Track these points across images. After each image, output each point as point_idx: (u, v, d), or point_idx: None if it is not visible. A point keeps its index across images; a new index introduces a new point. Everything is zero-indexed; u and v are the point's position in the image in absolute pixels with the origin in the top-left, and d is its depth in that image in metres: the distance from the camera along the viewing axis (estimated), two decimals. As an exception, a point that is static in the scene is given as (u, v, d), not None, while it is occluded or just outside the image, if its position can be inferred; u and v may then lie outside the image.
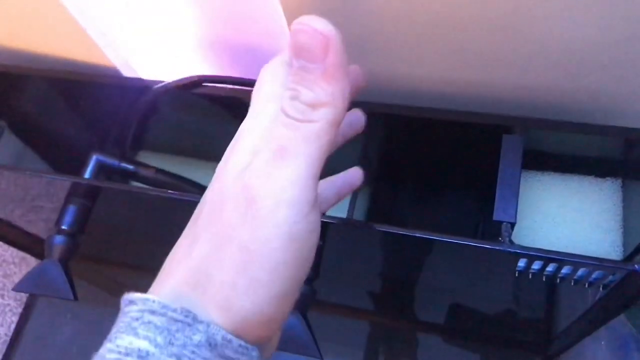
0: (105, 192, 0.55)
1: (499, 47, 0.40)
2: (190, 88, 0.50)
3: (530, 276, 0.43)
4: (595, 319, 0.48)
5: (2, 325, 0.85)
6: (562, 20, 0.36)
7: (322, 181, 0.33)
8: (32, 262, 0.89)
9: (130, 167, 0.53)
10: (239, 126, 0.57)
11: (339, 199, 0.34)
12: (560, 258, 0.39)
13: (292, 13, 0.41)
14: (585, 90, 0.43)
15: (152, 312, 0.23)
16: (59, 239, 0.50)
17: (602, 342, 0.56)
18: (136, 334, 0.22)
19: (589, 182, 0.45)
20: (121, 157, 0.55)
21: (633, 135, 0.42)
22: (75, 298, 0.50)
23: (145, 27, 0.53)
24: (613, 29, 0.36)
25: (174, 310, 0.23)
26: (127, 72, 0.54)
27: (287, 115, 0.24)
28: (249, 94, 0.52)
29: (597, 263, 0.38)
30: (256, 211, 0.23)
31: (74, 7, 0.46)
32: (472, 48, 0.41)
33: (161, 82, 0.51)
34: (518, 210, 0.45)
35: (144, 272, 0.86)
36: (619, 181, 0.45)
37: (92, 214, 0.56)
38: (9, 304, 0.86)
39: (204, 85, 0.51)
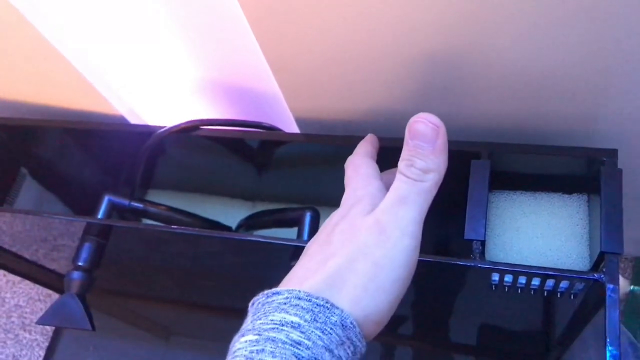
0: (119, 229, 0.60)
1: (464, 79, 0.44)
2: (189, 131, 0.55)
3: (506, 289, 0.47)
4: (575, 326, 0.51)
5: (30, 359, 0.90)
6: (521, 51, 0.40)
7: None
8: (57, 298, 0.94)
9: (140, 205, 0.58)
10: (236, 161, 0.62)
11: None
12: (526, 271, 0.42)
13: (274, 62, 0.46)
14: (546, 115, 0.47)
15: (299, 298, 0.31)
16: (76, 274, 0.55)
17: (590, 348, 0.58)
18: (287, 312, 0.30)
19: (557, 199, 0.49)
20: (131, 196, 0.60)
21: (594, 154, 0.46)
22: (93, 328, 0.54)
23: (147, 77, 0.59)
24: (570, 57, 0.39)
25: (317, 298, 0.31)
26: (132, 119, 0.60)
27: (406, 176, 0.35)
28: (241, 133, 0.56)
29: (561, 274, 0.42)
30: (387, 238, 0.33)
31: (82, 65, 0.51)
32: (439, 82, 0.45)
33: (163, 127, 0.56)
34: (492, 228, 0.49)
35: (161, 304, 0.91)
36: (585, 196, 0.48)
37: (110, 250, 0.61)
38: (36, 339, 0.91)
39: (202, 128, 0.55)
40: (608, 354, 0.39)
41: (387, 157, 0.55)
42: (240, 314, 0.92)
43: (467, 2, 0.35)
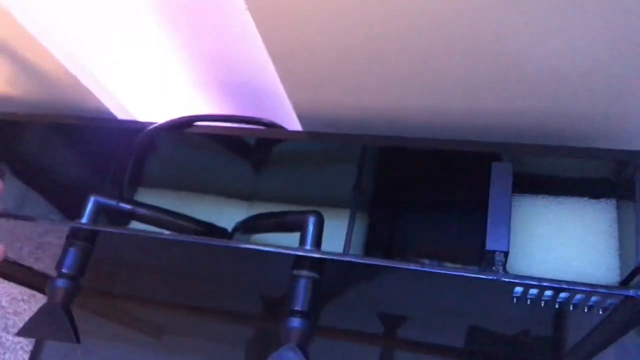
0: (105, 233, 0.56)
1: (485, 75, 0.40)
2: (183, 127, 0.51)
3: (528, 302, 0.43)
4: (597, 341, 0.48)
5: (13, 364, 0.86)
6: (547, 47, 0.36)
7: None
8: (41, 298, 0.90)
9: (128, 207, 0.54)
10: (233, 158, 0.58)
11: None
12: (554, 286, 0.38)
13: (277, 54, 0.42)
14: (573, 114, 0.43)
15: None
16: (60, 282, 0.51)
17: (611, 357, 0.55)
18: None
19: (583, 204, 0.45)
20: (119, 196, 0.55)
21: (624, 156, 0.42)
22: (78, 341, 0.50)
23: (138, 71, 0.54)
24: (599, 52, 0.36)
25: None
26: (121, 115, 0.55)
27: None
28: (239, 130, 0.52)
29: (592, 290, 0.38)
30: None
31: (63, 54, 0.47)
32: (458, 78, 0.41)
33: (154, 123, 0.52)
34: (513, 234, 0.45)
35: (151, 305, 0.87)
36: (614, 202, 0.45)
37: (98, 251, 0.57)
38: (20, 342, 0.87)
39: (195, 124, 0.51)
40: None
41: (396, 158, 0.51)
42: (233, 316, 0.89)
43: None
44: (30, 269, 0.83)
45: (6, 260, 0.79)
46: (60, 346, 0.84)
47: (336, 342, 0.78)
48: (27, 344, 0.87)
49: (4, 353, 0.86)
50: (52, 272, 0.79)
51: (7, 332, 0.89)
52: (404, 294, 0.64)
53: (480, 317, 0.66)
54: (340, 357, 0.78)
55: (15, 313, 0.89)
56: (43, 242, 0.89)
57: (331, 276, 0.56)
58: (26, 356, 0.85)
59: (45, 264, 0.89)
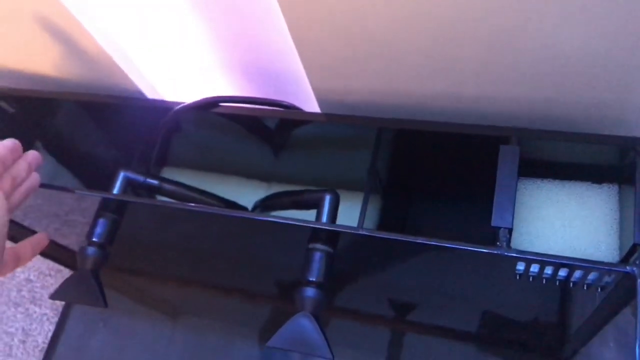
0: (133, 206, 0.59)
1: (496, 62, 0.42)
2: (208, 108, 0.54)
3: (530, 279, 0.45)
4: (597, 320, 0.50)
5: (40, 334, 0.90)
6: (555, 35, 0.38)
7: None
8: (67, 273, 0.94)
9: (155, 182, 0.57)
10: (253, 141, 0.61)
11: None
12: (555, 261, 0.41)
13: (301, 38, 0.44)
14: (579, 101, 0.45)
15: None
16: (90, 250, 0.54)
17: (611, 344, 0.57)
18: None
19: (586, 188, 0.47)
20: (146, 173, 0.59)
21: (628, 143, 0.44)
22: (106, 305, 0.53)
23: (167, 53, 0.57)
24: (605, 42, 0.38)
25: None
26: (151, 95, 0.58)
27: None
28: (261, 112, 0.55)
29: (591, 265, 0.40)
30: None
31: (102, 36, 0.50)
32: (470, 64, 0.43)
33: (182, 103, 0.55)
34: (518, 216, 0.48)
35: (171, 282, 0.90)
36: (616, 187, 0.47)
37: (122, 228, 0.60)
38: (46, 313, 0.91)
39: (221, 105, 0.54)
40: (638, 351, 0.38)
41: (410, 141, 0.53)
42: (249, 295, 0.91)
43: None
44: (57, 244, 0.87)
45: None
46: (84, 318, 0.88)
47: (347, 322, 0.81)
48: (53, 316, 0.91)
49: (31, 324, 0.90)
50: (78, 248, 0.83)
51: (35, 305, 0.93)
52: (413, 278, 0.67)
53: (489, 301, 0.68)
54: (351, 337, 0.81)
55: (43, 287, 0.94)
56: (69, 219, 0.93)
57: (343, 258, 0.59)
58: (52, 327, 0.89)
59: (71, 241, 0.93)
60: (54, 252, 0.88)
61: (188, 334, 0.87)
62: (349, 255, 0.59)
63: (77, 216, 0.95)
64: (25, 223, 0.84)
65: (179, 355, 0.85)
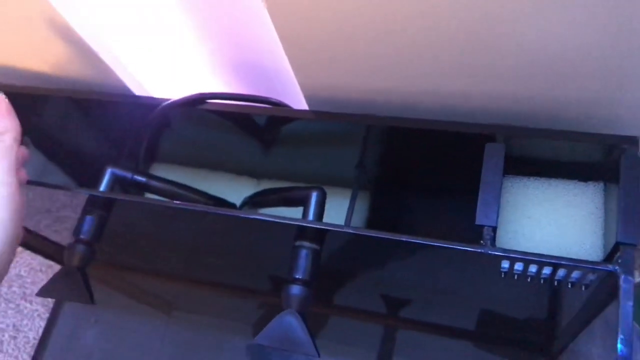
0: (122, 203, 0.59)
1: (483, 61, 0.42)
2: (195, 105, 0.54)
3: (515, 277, 0.45)
4: (583, 317, 0.50)
5: (31, 330, 0.90)
6: (541, 34, 0.38)
7: None
8: (57, 269, 0.94)
9: (143, 179, 0.57)
10: (243, 137, 0.61)
11: None
12: (537, 259, 0.41)
13: (286, 35, 0.44)
14: (565, 99, 0.45)
15: None
16: (77, 247, 0.54)
17: (597, 341, 0.57)
18: None
19: (572, 186, 0.47)
20: (134, 169, 0.59)
21: (613, 141, 0.44)
22: (92, 302, 0.53)
23: (155, 50, 0.57)
24: (591, 39, 0.37)
25: None
26: (138, 91, 0.58)
27: None
28: (249, 108, 0.55)
29: (574, 264, 0.40)
30: None
31: (86, 32, 0.50)
32: (456, 62, 0.43)
33: (169, 99, 0.55)
34: (505, 213, 0.48)
35: (164, 278, 0.90)
36: (601, 185, 0.47)
37: (113, 223, 0.60)
38: (37, 309, 0.91)
39: (208, 102, 0.54)
40: (619, 347, 0.38)
41: (397, 138, 0.53)
42: (242, 291, 0.91)
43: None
44: (48, 240, 0.87)
45: (26, 231, 0.83)
46: (75, 315, 0.88)
47: (340, 319, 0.81)
48: (44, 312, 0.91)
49: (22, 320, 0.90)
50: (69, 244, 0.82)
51: (26, 300, 0.93)
52: (405, 275, 0.67)
53: (479, 298, 0.68)
54: (344, 333, 0.81)
55: (33, 282, 0.93)
56: (60, 215, 0.93)
57: (334, 255, 0.59)
58: (43, 323, 0.89)
59: (62, 236, 0.92)
60: (46, 248, 0.88)
61: (181, 330, 0.87)
62: (340, 252, 0.59)
63: (68, 212, 0.94)
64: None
65: (171, 351, 0.85)
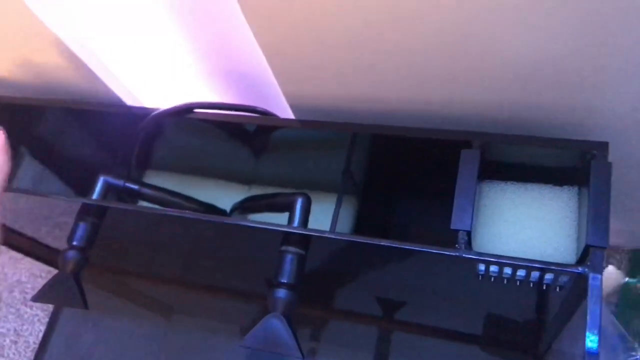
0: (116, 209, 0.60)
1: (460, 69, 0.44)
2: (183, 114, 0.55)
3: (492, 279, 0.47)
4: (561, 318, 0.51)
5: (31, 334, 0.92)
6: (516, 42, 0.39)
7: None
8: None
9: (135, 187, 0.58)
10: (233, 145, 0.62)
11: None
12: (510, 262, 0.42)
13: (267, 45, 0.46)
14: (539, 106, 0.46)
15: None
16: (70, 253, 0.56)
17: (579, 339, 0.58)
18: None
19: (547, 191, 0.49)
20: (127, 177, 0.60)
21: (585, 146, 0.45)
22: (86, 307, 0.55)
23: (145, 61, 0.59)
24: (565, 49, 0.39)
25: None
26: (130, 101, 0.60)
27: None
28: (237, 117, 0.57)
29: (545, 266, 0.42)
30: None
31: (78, 46, 0.52)
32: (436, 71, 0.45)
33: (158, 108, 0.56)
34: (482, 217, 0.49)
35: (162, 283, 0.92)
36: (576, 189, 0.48)
37: (110, 228, 0.61)
38: (37, 314, 0.93)
39: (195, 111, 0.56)
40: (587, 344, 0.39)
41: (381, 145, 0.55)
42: (239, 295, 0.93)
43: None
44: (48, 246, 0.89)
45: (26, 238, 0.85)
46: (74, 319, 0.90)
47: (334, 322, 0.83)
48: (44, 316, 0.93)
49: (22, 324, 0.92)
50: (67, 249, 0.83)
51: (26, 306, 0.95)
52: (396, 278, 0.68)
53: (467, 301, 0.69)
54: (339, 336, 0.83)
55: (34, 288, 0.95)
56: (60, 221, 0.95)
57: (326, 259, 0.61)
58: (42, 327, 0.91)
59: (62, 243, 0.94)
60: (45, 254, 0.90)
61: (179, 334, 0.88)
62: (331, 255, 0.61)
63: (67, 218, 0.96)
64: (17, 226, 0.86)
65: (169, 355, 0.87)
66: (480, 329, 0.75)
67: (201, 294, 0.90)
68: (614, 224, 0.48)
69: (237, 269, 0.82)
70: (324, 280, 0.73)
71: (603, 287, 0.74)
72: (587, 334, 0.39)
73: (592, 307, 0.40)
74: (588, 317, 0.39)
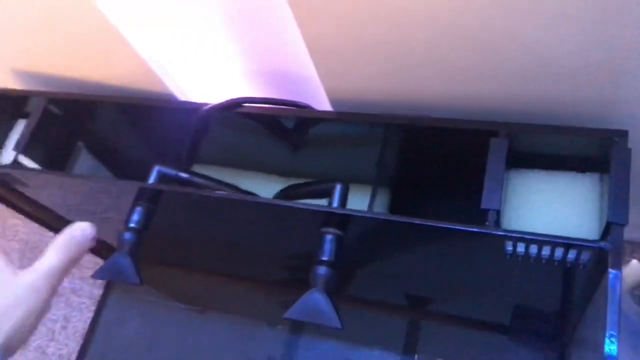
0: (165, 200, 0.65)
1: (490, 64, 0.48)
2: (233, 108, 0.60)
3: (519, 259, 0.50)
4: (582, 299, 0.54)
5: (79, 321, 0.98)
6: (544, 42, 0.43)
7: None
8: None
9: (186, 176, 0.64)
10: (275, 140, 0.67)
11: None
12: (535, 238, 0.46)
13: (313, 43, 0.50)
14: (564, 98, 0.50)
15: None
16: (127, 235, 0.61)
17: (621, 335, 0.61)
18: None
19: (571, 178, 0.52)
20: (178, 168, 0.65)
21: (606, 134, 0.49)
22: (141, 282, 0.60)
23: (197, 59, 0.64)
24: (587, 45, 0.43)
25: None
26: (181, 97, 0.65)
27: None
28: (278, 111, 0.61)
29: (568, 242, 0.45)
30: None
31: (140, 46, 0.57)
32: (467, 66, 0.49)
33: (209, 104, 0.61)
34: (509, 204, 0.53)
35: (198, 273, 0.97)
36: (597, 175, 0.52)
37: (155, 222, 0.66)
38: (84, 302, 0.99)
39: (244, 106, 0.60)
40: (606, 350, 0.41)
41: (414, 135, 0.59)
42: (276, 286, 0.96)
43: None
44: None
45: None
46: (118, 307, 0.95)
47: (361, 311, 0.86)
48: (91, 304, 0.99)
49: (72, 312, 0.98)
50: (113, 243, 0.90)
51: (75, 294, 1.01)
52: (423, 268, 0.72)
53: (495, 290, 0.72)
54: (366, 326, 0.86)
55: (82, 278, 1.01)
56: (105, 217, 1.01)
57: (355, 250, 0.64)
58: (90, 314, 0.97)
59: (106, 236, 1.00)
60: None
61: (216, 324, 0.92)
62: (360, 246, 0.65)
63: (111, 214, 1.02)
64: (69, 217, 0.92)
65: (207, 344, 0.91)
66: (505, 318, 0.78)
67: (239, 286, 0.95)
68: (637, 219, 0.51)
69: (274, 261, 0.86)
70: (352, 270, 0.77)
71: (628, 280, 0.77)
72: (607, 340, 0.41)
73: (611, 307, 0.42)
74: (607, 319, 0.41)
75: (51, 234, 0.91)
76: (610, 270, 0.43)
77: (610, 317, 0.42)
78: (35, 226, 0.84)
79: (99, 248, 0.97)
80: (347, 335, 0.89)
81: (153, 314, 0.94)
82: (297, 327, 0.92)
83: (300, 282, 0.86)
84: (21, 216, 0.82)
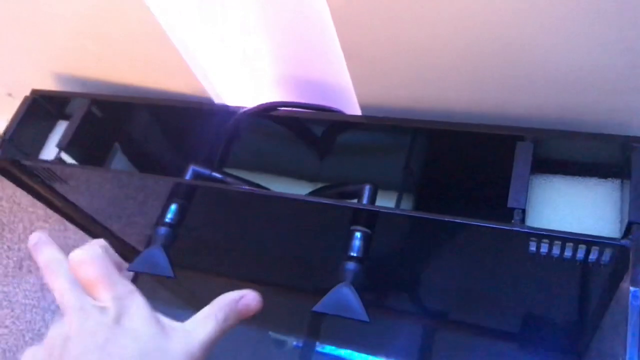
0: (196, 201, 0.68)
1: (514, 73, 0.51)
2: (267, 112, 0.63)
3: (540, 261, 0.52)
4: (599, 304, 0.56)
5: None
6: (566, 54, 0.46)
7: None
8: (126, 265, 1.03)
9: (220, 175, 0.66)
10: (304, 146, 0.70)
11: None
12: (559, 236, 0.48)
13: (349, 49, 0.54)
14: (586, 106, 0.53)
15: None
16: (162, 229, 0.63)
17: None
18: None
19: (593, 183, 0.55)
20: (212, 167, 0.68)
21: (629, 141, 0.51)
22: (174, 276, 0.62)
23: (234, 64, 0.67)
24: (610, 61, 0.46)
25: None
26: (217, 100, 0.68)
27: None
28: (313, 115, 0.64)
29: (590, 239, 0.47)
30: None
31: (182, 47, 0.60)
32: (493, 76, 0.52)
33: (244, 107, 0.64)
34: (532, 208, 0.55)
35: (222, 279, 0.98)
36: (619, 181, 0.54)
37: (183, 230, 0.68)
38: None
39: (278, 109, 0.63)
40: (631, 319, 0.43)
41: (440, 141, 0.61)
42: (297, 292, 0.97)
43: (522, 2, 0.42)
44: (122, 240, 0.97)
45: (108, 230, 0.93)
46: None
47: (376, 318, 0.88)
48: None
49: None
50: (139, 246, 0.92)
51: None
52: (442, 275, 0.73)
53: (512, 300, 0.74)
54: (380, 333, 0.87)
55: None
56: (131, 221, 1.03)
57: (377, 257, 0.66)
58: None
59: (132, 239, 1.03)
60: (118, 248, 0.98)
61: (243, 328, 0.93)
62: (385, 249, 0.67)
63: (138, 218, 1.05)
64: (97, 218, 0.94)
65: (233, 347, 0.92)
66: (520, 327, 0.79)
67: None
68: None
69: (295, 268, 0.88)
70: (370, 277, 0.78)
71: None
72: (631, 310, 0.43)
73: (636, 274, 0.44)
74: (628, 335, 0.43)
75: (71, 237, 0.93)
76: (631, 288, 0.44)
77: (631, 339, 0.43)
78: (58, 229, 0.86)
79: (126, 252, 0.99)
80: (361, 344, 0.90)
81: (173, 316, 0.95)
82: (313, 333, 0.93)
83: (321, 291, 0.88)
84: (48, 222, 0.85)
